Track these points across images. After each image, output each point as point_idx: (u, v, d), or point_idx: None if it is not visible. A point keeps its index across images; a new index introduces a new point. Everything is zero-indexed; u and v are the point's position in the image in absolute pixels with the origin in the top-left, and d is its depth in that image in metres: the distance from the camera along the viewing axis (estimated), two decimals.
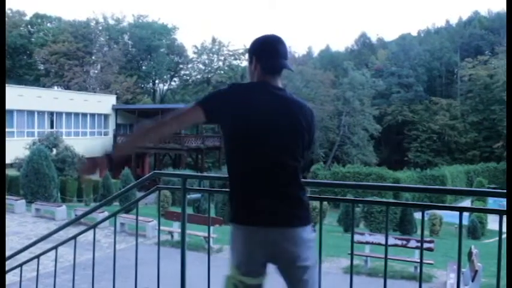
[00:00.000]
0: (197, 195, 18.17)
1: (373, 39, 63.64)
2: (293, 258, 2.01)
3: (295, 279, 2.05)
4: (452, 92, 51.83)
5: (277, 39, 2.14)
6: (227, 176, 2.11)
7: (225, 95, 2.07)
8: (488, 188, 27.12)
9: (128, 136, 2.20)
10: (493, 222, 18.43)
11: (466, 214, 16.70)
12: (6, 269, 3.44)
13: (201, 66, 51.82)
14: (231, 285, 2.08)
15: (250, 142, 2.00)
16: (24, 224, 12.90)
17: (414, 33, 62.82)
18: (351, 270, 2.60)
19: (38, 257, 3.66)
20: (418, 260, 6.02)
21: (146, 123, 2.16)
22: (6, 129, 22.19)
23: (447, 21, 63.04)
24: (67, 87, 40.30)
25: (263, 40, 2.17)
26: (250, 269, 2.05)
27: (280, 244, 1.99)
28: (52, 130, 26.38)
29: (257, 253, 2.02)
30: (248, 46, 2.23)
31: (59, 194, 18.46)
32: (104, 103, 32.56)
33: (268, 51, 2.12)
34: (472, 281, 6.19)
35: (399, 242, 8.43)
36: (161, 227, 5.18)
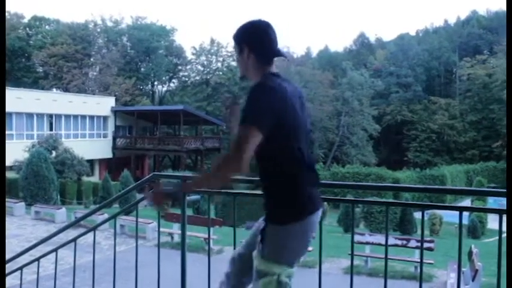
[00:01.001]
0: (197, 197, 18.10)
1: (372, 39, 63.70)
2: None
3: None
4: (451, 91, 51.88)
5: (267, 25, 2.03)
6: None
7: (270, 103, 1.86)
8: (488, 187, 27.14)
9: (195, 178, 2.09)
10: (493, 222, 18.45)
11: (466, 214, 16.69)
12: (6, 272, 3.44)
13: (199, 67, 51.74)
14: (275, 285, 1.98)
15: (296, 136, 1.97)
16: (23, 226, 12.89)
17: (413, 33, 62.95)
18: (351, 271, 2.60)
19: (38, 259, 3.66)
20: (419, 260, 6.01)
21: (216, 163, 1.90)
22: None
23: (445, 21, 63.22)
24: (66, 90, 40.27)
25: (253, 27, 2.04)
26: (300, 258, 2.05)
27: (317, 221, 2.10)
28: (51, 132, 26.37)
29: (310, 239, 2.06)
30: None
31: (58, 197, 18.45)
32: (103, 105, 32.56)
33: (260, 38, 2.01)
34: (473, 280, 6.19)
35: (399, 242, 8.42)
36: (161, 229, 5.17)
